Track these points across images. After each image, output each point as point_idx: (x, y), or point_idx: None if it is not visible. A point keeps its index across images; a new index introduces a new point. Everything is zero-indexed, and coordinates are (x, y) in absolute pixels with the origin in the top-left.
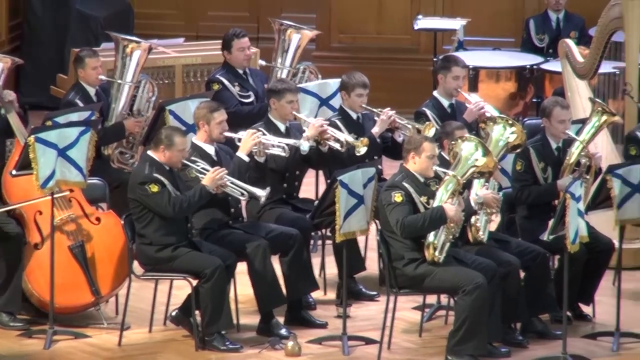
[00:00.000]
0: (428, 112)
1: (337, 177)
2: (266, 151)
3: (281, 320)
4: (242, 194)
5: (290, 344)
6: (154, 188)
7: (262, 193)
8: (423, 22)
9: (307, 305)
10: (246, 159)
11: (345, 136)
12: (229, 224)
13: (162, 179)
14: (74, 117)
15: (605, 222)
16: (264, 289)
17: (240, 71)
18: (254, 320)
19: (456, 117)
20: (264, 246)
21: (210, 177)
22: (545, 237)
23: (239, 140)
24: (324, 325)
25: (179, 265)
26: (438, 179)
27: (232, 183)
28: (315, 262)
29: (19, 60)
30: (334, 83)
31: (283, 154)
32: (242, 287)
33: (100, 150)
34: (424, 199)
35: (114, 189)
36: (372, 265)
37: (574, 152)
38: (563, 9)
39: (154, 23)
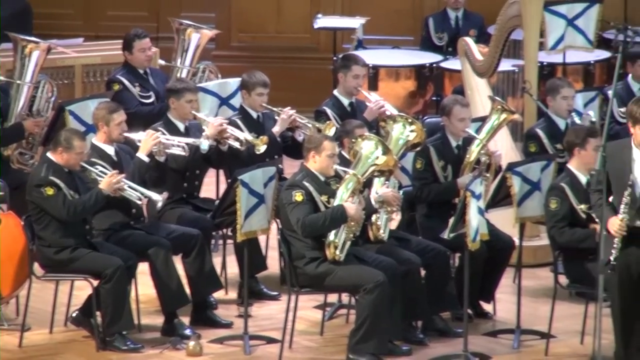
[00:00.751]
0: (328, 111)
1: (238, 177)
2: (166, 151)
3: (186, 320)
4: (140, 198)
5: (191, 343)
6: (49, 191)
7: (159, 197)
8: (322, 21)
9: (209, 305)
10: (146, 159)
11: (245, 135)
12: (130, 224)
13: (58, 181)
14: None
15: (505, 219)
16: (168, 290)
17: (141, 71)
18: (155, 320)
19: (356, 115)
20: (166, 247)
21: (107, 181)
22: (446, 235)
23: (139, 140)
24: (229, 325)
25: (80, 266)
26: (338, 177)
27: (129, 187)
28: (217, 261)
29: None
30: (234, 82)
31: (183, 154)
32: (143, 287)
33: None
34: (324, 197)
35: (14, 189)
36: (274, 264)
37: (474, 150)
38: (462, 8)
39: (53, 23)
